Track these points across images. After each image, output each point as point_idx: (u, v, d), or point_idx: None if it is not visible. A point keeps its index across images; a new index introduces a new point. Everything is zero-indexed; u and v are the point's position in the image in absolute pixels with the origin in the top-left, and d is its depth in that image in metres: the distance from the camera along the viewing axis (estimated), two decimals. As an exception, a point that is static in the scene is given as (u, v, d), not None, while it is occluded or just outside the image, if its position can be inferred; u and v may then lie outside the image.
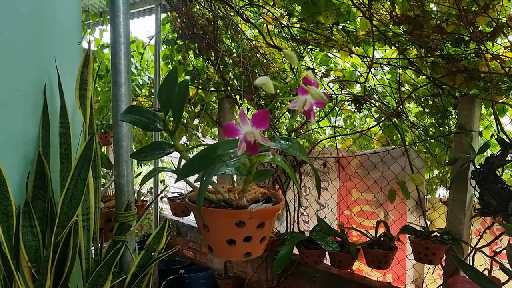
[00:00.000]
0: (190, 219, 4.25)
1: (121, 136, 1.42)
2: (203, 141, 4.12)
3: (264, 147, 0.84)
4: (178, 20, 3.34)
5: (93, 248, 1.42)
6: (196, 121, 4.05)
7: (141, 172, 3.90)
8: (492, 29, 2.00)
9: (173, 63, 3.80)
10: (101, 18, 3.82)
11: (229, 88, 3.53)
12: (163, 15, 3.69)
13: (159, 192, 3.71)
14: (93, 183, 1.29)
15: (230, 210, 1.01)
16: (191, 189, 1.23)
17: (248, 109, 3.56)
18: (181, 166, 1.02)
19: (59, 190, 1.39)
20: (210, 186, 0.99)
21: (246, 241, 1.04)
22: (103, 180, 2.26)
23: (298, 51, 2.94)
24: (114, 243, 1.38)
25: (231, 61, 3.35)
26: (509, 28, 1.94)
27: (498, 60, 2.07)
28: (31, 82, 1.47)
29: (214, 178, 1.15)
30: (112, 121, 1.43)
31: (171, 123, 1.03)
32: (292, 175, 1.01)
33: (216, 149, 0.89)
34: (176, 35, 3.61)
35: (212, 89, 3.64)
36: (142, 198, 3.11)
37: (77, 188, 1.21)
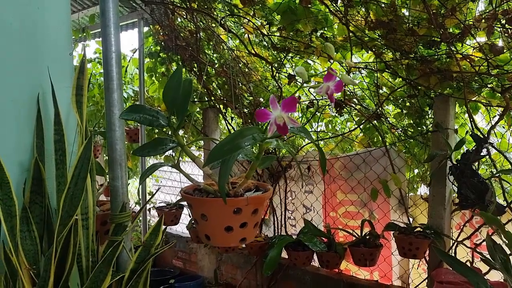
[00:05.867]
0: (179, 229, 4.28)
1: (115, 140, 1.48)
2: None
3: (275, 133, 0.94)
4: (161, 33, 3.42)
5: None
6: (181, 132, 4.11)
7: (128, 184, 3.92)
8: (460, 30, 2.12)
9: (157, 75, 3.86)
10: (84, 34, 3.87)
11: (212, 98, 3.60)
12: (146, 29, 3.76)
13: (148, 198, 3.73)
14: (90, 185, 1.35)
15: (229, 198, 1.08)
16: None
17: (232, 118, 3.63)
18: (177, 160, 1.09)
19: (55, 195, 1.44)
20: (201, 180, 1.06)
21: (242, 227, 1.11)
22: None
23: (279, 59, 3.04)
24: (111, 243, 1.43)
25: (213, 71, 3.43)
26: (476, 29, 2.06)
27: (468, 60, 2.19)
28: (24, 92, 1.52)
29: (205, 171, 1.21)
30: (106, 126, 1.48)
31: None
32: (293, 154, 1.12)
33: (239, 134, 0.98)
34: (159, 48, 3.68)
35: (196, 99, 3.71)
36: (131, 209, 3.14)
37: (77, 187, 1.27)
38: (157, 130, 3.96)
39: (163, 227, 1.51)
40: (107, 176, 1.60)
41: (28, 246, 1.39)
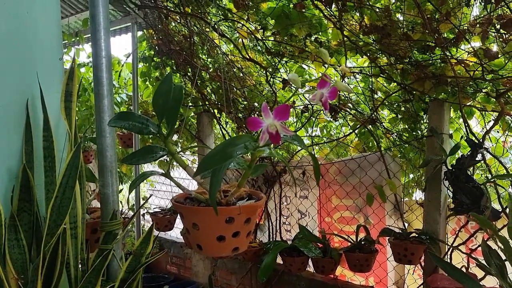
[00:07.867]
0: (173, 235, 4.24)
1: (105, 147, 1.46)
2: (183, 156, 4.13)
3: (267, 142, 0.92)
4: (155, 37, 3.40)
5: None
6: (175, 137, 4.08)
7: (122, 189, 3.90)
8: (455, 35, 2.11)
9: (151, 79, 3.84)
10: (77, 38, 3.84)
11: (207, 102, 3.58)
12: (140, 33, 3.74)
13: (141, 204, 3.71)
14: (79, 193, 1.32)
15: (221, 207, 1.06)
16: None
17: (226, 122, 3.61)
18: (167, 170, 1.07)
19: (44, 202, 1.41)
20: (193, 188, 1.04)
21: (235, 236, 1.09)
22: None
23: (273, 63, 3.02)
24: (101, 252, 1.40)
25: (208, 76, 3.41)
26: (470, 34, 2.05)
27: (463, 65, 2.18)
28: (13, 97, 1.49)
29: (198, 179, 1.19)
30: (96, 133, 1.46)
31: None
32: (286, 163, 1.09)
33: (230, 143, 0.96)
34: (153, 52, 3.66)
35: (190, 104, 3.69)
36: (123, 216, 3.11)
37: (65, 196, 1.24)
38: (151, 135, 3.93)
39: (155, 234, 1.48)
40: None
41: (16, 255, 1.36)
